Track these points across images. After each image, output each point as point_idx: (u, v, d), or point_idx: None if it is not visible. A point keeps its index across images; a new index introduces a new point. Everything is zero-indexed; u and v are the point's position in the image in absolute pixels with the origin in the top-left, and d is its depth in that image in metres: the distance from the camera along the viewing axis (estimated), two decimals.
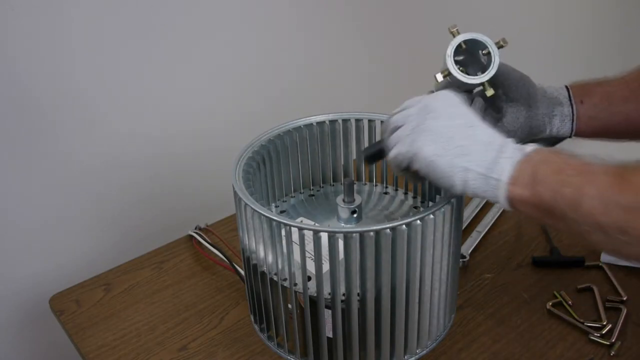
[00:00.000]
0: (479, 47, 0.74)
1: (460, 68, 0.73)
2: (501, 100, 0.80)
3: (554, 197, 0.57)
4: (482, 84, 0.73)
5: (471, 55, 0.75)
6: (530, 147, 0.61)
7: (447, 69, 0.72)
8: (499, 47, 0.73)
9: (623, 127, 0.82)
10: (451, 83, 0.76)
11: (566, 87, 0.82)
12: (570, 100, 0.81)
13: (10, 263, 1.08)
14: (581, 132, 0.81)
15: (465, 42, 0.73)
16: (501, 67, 0.76)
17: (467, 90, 0.77)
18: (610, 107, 0.81)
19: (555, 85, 0.82)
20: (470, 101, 0.77)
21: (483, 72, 0.72)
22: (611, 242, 0.55)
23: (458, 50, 0.73)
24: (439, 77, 0.74)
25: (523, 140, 0.81)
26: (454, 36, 0.73)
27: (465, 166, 0.61)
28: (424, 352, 0.72)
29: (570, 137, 0.81)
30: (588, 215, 0.55)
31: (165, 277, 0.99)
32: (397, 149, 0.65)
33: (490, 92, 0.74)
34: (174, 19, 1.13)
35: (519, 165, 0.59)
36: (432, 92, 0.81)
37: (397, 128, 0.66)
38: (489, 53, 0.72)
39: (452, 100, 0.65)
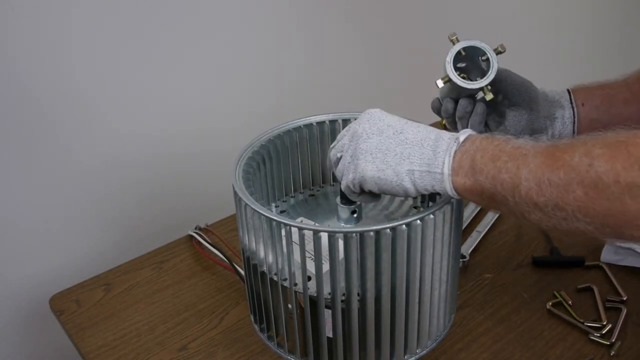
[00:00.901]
0: (478, 54, 0.75)
1: (462, 75, 0.74)
2: (503, 105, 0.80)
3: (493, 184, 0.58)
4: (481, 88, 0.74)
5: (471, 61, 0.76)
6: (463, 134, 0.62)
7: (447, 76, 0.73)
8: (498, 52, 0.74)
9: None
10: (452, 89, 0.77)
11: (568, 90, 0.82)
12: (571, 103, 0.81)
13: (10, 263, 1.08)
14: (582, 134, 0.81)
15: (464, 49, 0.74)
16: (502, 72, 0.77)
17: (468, 96, 0.78)
18: (611, 109, 0.81)
19: (556, 89, 0.82)
20: (472, 107, 0.78)
21: (483, 77, 0.73)
22: (549, 219, 0.56)
23: (458, 57, 0.75)
24: (440, 83, 0.76)
25: None
26: (453, 44, 0.75)
27: (408, 169, 0.62)
28: (424, 352, 0.72)
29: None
30: (526, 196, 0.56)
31: (165, 277, 0.99)
32: (345, 180, 0.67)
33: (489, 96, 0.75)
34: (174, 19, 1.13)
35: (457, 156, 0.61)
36: (437, 99, 0.83)
37: (338, 160, 0.68)
38: (487, 59, 0.73)
39: (375, 115, 0.67)
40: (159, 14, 1.10)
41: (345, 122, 0.82)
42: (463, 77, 0.75)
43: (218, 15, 1.19)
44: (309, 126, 0.81)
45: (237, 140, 0.79)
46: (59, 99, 1.03)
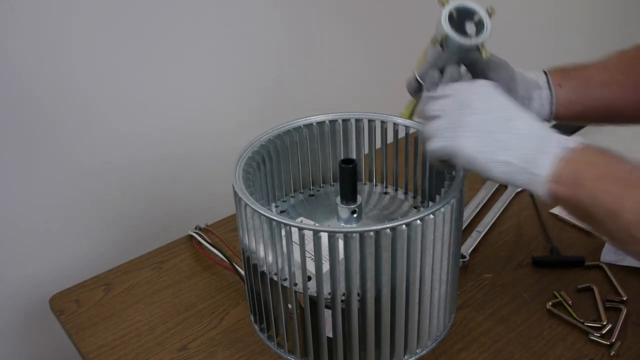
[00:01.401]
0: (466, 17, 0.72)
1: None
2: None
3: (593, 204, 0.56)
4: (477, 46, 0.71)
5: (459, 28, 0.73)
6: (574, 142, 0.60)
7: (444, 34, 0.70)
8: (490, 11, 0.72)
9: (602, 112, 0.82)
10: (441, 55, 0.73)
11: (544, 72, 0.81)
12: (548, 84, 0.80)
13: (10, 263, 1.08)
14: (560, 116, 0.81)
15: (456, 10, 0.72)
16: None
17: (457, 62, 0.74)
18: (588, 92, 0.80)
19: (533, 69, 0.81)
20: (459, 75, 0.75)
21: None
22: None
23: (450, 20, 0.71)
24: (430, 52, 0.73)
25: None
26: (443, 6, 0.72)
27: (506, 160, 0.60)
28: (424, 352, 0.72)
29: (549, 120, 0.81)
30: (626, 227, 0.54)
31: (165, 277, 0.99)
32: (436, 144, 0.64)
33: (486, 53, 0.72)
34: (174, 19, 1.13)
35: (561, 163, 0.59)
36: (415, 78, 0.77)
37: (432, 118, 0.65)
38: (479, 20, 0.71)
39: (487, 91, 0.64)
40: (159, 14, 1.10)
41: (346, 122, 0.82)
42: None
43: (218, 15, 1.19)
44: (309, 126, 0.81)
45: (237, 140, 0.79)
46: (59, 99, 1.03)
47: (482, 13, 0.71)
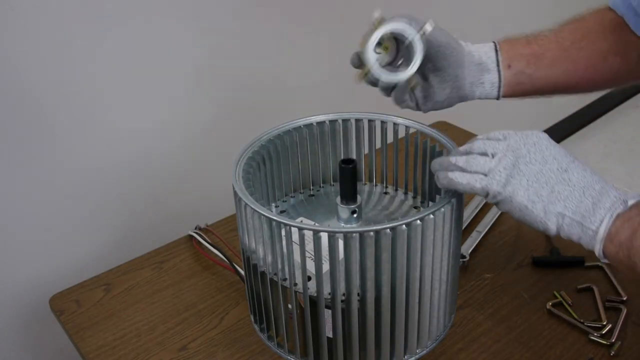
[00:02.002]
0: (400, 40, 0.69)
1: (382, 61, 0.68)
2: (427, 69, 0.76)
3: None
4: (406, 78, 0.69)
5: (393, 49, 0.70)
6: (633, 198, 0.58)
7: (367, 68, 0.68)
8: (423, 34, 0.69)
9: (552, 88, 0.81)
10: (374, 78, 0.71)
11: (495, 47, 0.78)
12: (498, 65, 0.77)
13: (10, 263, 1.08)
14: (508, 95, 0.80)
15: (386, 38, 0.69)
16: (428, 34, 0.71)
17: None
18: (536, 72, 0.79)
19: (483, 44, 0.78)
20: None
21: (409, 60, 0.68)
22: None
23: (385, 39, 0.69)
24: (359, 77, 0.70)
25: (452, 104, 0.78)
26: (375, 28, 0.68)
27: (560, 212, 0.60)
28: (424, 352, 0.72)
29: (497, 99, 0.80)
30: None
31: (165, 277, 0.99)
32: (486, 184, 0.62)
33: (414, 83, 0.70)
34: (174, 20, 1.13)
35: (618, 221, 0.57)
36: (356, 53, 0.73)
37: (480, 154, 0.63)
38: (410, 45, 0.68)
39: (542, 141, 0.62)
40: (160, 14, 1.11)
41: (346, 122, 0.82)
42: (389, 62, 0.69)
43: (218, 14, 1.19)
44: (309, 126, 0.81)
45: (237, 140, 0.79)
46: (59, 99, 1.03)
47: (414, 40, 0.68)
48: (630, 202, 0.58)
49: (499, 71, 0.78)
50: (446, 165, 0.65)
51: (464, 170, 0.63)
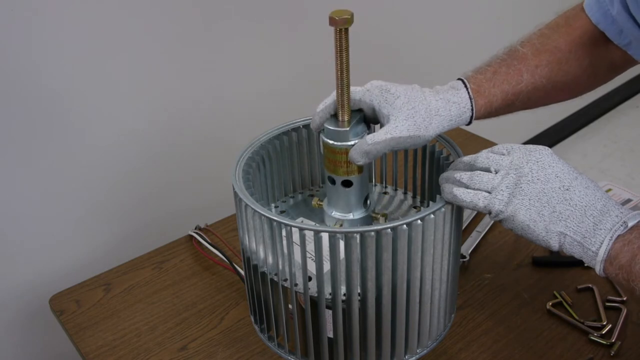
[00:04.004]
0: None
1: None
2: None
3: None
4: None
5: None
6: (633, 220, 0.58)
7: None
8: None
9: (520, 106, 0.78)
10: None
11: (469, 96, 0.72)
12: (470, 119, 0.73)
13: (10, 263, 1.08)
14: (480, 118, 0.76)
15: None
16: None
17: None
18: (506, 99, 0.75)
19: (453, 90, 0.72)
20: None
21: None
22: None
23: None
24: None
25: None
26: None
27: (561, 231, 0.60)
28: (425, 351, 0.72)
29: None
30: None
31: (165, 277, 0.99)
32: (489, 204, 0.62)
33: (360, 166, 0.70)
34: (174, 19, 1.13)
35: (618, 243, 0.58)
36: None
37: (481, 169, 0.64)
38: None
39: (545, 158, 0.62)
40: (160, 14, 1.10)
41: None
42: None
43: (218, 14, 1.19)
44: (308, 126, 0.81)
45: (237, 141, 0.79)
46: (59, 98, 1.03)
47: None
48: (631, 224, 0.58)
49: (472, 111, 0.73)
50: (451, 180, 0.65)
51: (467, 187, 0.64)
